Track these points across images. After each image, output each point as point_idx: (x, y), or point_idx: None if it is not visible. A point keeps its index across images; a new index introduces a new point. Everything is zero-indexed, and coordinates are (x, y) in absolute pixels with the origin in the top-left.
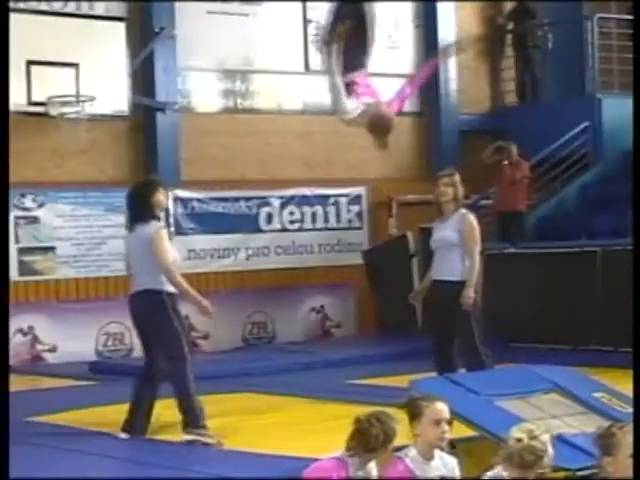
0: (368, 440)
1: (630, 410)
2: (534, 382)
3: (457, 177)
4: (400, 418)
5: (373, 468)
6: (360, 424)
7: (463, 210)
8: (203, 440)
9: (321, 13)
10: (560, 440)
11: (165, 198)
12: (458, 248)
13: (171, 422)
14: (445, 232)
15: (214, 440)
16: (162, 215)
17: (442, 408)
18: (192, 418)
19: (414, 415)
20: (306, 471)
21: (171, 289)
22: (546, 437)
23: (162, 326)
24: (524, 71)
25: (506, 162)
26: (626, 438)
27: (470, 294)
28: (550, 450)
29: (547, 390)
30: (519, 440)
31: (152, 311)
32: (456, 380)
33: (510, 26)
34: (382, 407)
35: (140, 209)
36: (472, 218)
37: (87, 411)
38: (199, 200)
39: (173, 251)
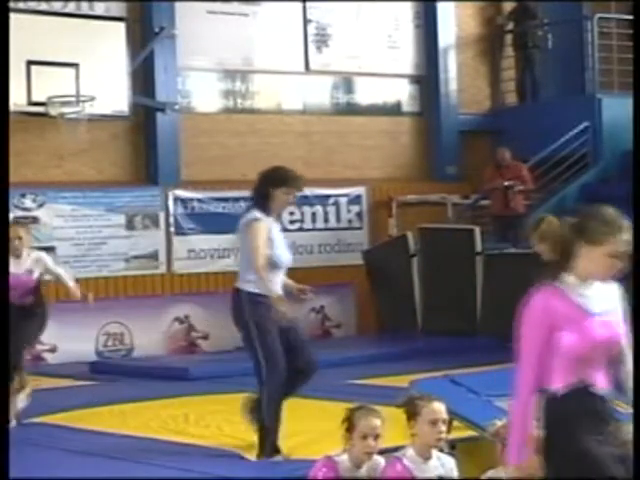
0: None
1: (630, 410)
2: None
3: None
4: (401, 418)
5: (380, 463)
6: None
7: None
8: None
9: (321, 13)
10: None
11: (285, 198)
12: None
13: (171, 422)
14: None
15: None
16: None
17: (439, 408)
18: None
19: (411, 415)
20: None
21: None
22: None
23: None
24: (524, 71)
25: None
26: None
27: None
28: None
29: None
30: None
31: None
32: (456, 380)
33: (510, 26)
34: (382, 407)
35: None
36: None
37: (87, 411)
38: (199, 200)
39: (275, 249)
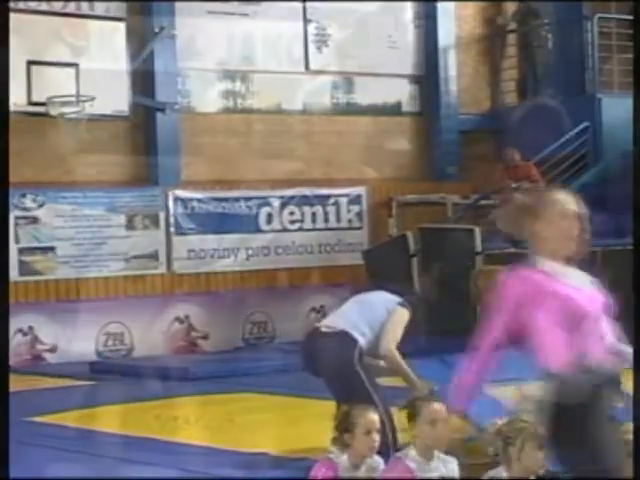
0: (336, 427)
1: (618, 406)
2: (527, 369)
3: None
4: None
5: (380, 463)
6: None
7: None
8: None
9: (321, 13)
10: None
11: None
12: None
13: (171, 422)
14: None
15: None
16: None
17: (439, 408)
18: None
19: (412, 416)
20: None
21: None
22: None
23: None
24: (526, 71)
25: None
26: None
27: None
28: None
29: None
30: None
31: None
32: (451, 364)
33: (512, 26)
34: None
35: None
36: None
37: (87, 411)
38: (199, 200)
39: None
